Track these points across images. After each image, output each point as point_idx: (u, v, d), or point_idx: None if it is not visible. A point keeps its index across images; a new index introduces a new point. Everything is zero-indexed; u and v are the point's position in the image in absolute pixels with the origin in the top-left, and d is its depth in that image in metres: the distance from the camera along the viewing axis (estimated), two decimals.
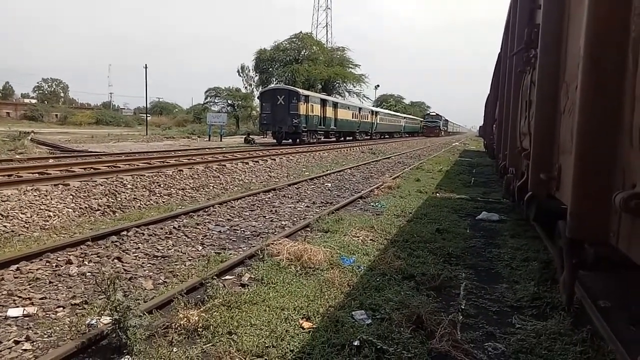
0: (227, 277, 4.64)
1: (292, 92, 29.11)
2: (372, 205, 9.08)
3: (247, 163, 15.03)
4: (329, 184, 12.22)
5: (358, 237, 6.30)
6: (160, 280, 4.54)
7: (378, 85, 78.00)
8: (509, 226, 7.46)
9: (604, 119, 2.27)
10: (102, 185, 8.91)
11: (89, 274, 4.59)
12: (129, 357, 2.96)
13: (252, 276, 4.61)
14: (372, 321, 3.62)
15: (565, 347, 3.26)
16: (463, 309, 4.00)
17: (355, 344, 3.17)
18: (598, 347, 3.20)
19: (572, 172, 2.46)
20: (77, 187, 8.53)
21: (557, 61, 3.49)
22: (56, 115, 73.00)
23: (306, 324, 3.54)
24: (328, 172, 14.69)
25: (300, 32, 55.82)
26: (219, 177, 11.93)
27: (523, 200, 5.14)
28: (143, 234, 6.14)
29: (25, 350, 3.08)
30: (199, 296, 3.98)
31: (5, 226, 6.19)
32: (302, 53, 54.81)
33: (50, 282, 4.35)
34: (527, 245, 6.11)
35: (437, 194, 10.97)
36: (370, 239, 6.26)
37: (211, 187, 10.70)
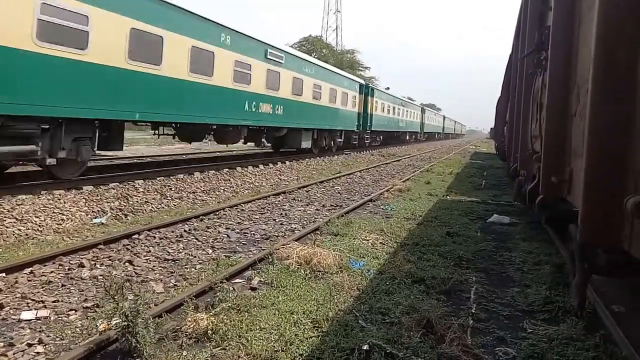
0: (237, 280, 4.66)
1: None
2: (382, 208, 9.05)
3: (257, 166, 15.08)
4: (339, 187, 12.21)
5: (368, 240, 6.28)
6: (171, 284, 4.57)
7: (388, 88, 77.61)
8: (521, 229, 7.39)
9: (615, 123, 2.24)
10: (114, 189, 9.01)
11: (101, 277, 4.64)
12: None
13: (262, 280, 4.62)
14: (382, 325, 3.61)
15: (577, 352, 3.22)
16: (473, 313, 3.97)
17: (365, 348, 3.16)
18: (611, 353, 3.15)
19: (583, 175, 2.44)
20: (90, 190, 8.63)
21: (568, 64, 3.46)
22: None
23: (315, 328, 3.54)
24: (338, 175, 14.68)
25: (310, 35, 56.00)
26: (229, 180, 11.99)
27: (534, 203, 5.10)
28: (154, 237, 6.19)
29: (38, 353, 3.12)
30: (209, 299, 3.99)
31: (19, 229, 6.28)
32: (312, 56, 54.98)
33: (62, 285, 4.40)
34: (539, 248, 6.05)
35: (448, 197, 10.91)
36: (380, 242, 6.24)
37: (222, 191, 10.75)
